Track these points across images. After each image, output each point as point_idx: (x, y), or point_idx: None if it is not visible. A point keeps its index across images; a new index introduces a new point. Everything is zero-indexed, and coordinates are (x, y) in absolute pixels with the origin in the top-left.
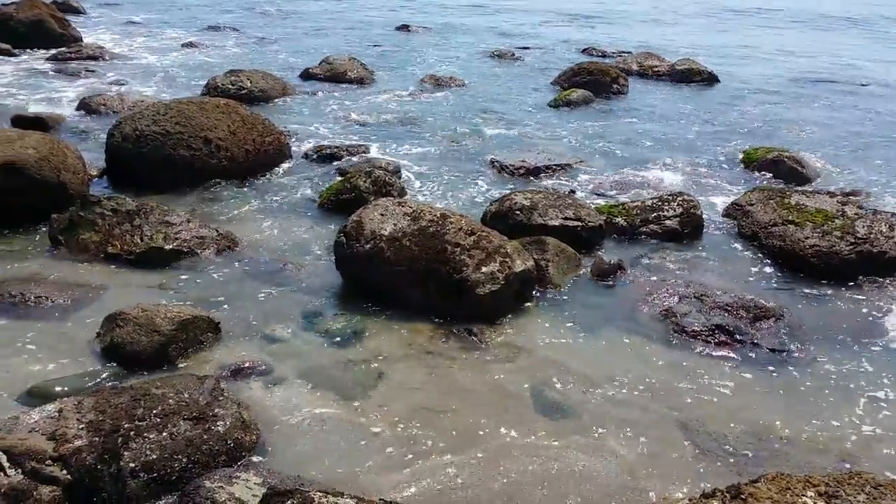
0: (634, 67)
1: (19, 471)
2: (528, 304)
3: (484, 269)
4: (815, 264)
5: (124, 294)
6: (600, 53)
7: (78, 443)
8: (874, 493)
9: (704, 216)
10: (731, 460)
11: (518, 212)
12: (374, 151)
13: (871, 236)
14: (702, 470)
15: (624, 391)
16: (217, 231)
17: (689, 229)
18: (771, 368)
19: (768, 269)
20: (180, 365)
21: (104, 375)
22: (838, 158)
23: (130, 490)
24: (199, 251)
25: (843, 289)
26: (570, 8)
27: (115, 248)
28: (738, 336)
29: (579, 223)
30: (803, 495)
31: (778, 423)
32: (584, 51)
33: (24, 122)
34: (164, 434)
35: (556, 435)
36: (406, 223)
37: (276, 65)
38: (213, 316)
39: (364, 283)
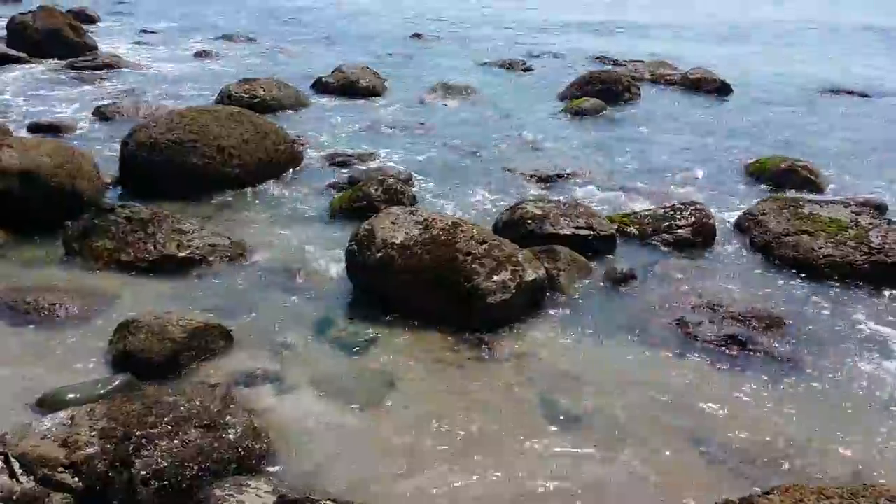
0: (647, 76)
1: (31, 478)
2: (540, 312)
3: (495, 278)
4: (829, 274)
5: (137, 302)
6: (612, 62)
7: (90, 450)
8: None
9: (717, 225)
10: (744, 471)
11: (529, 220)
12: (385, 159)
13: (886, 246)
14: (714, 481)
15: (635, 401)
16: (230, 239)
17: (701, 238)
18: (784, 379)
19: (781, 279)
20: (192, 372)
21: (116, 383)
22: (852, 168)
23: (142, 498)
24: (211, 259)
25: (858, 299)
26: (584, 19)
27: (128, 255)
28: (750, 346)
29: (591, 232)
30: None
31: (791, 433)
32: (596, 59)
33: (40, 129)
34: (176, 442)
35: (567, 444)
36: (417, 231)
37: (289, 73)
38: (225, 324)
39: (375, 291)
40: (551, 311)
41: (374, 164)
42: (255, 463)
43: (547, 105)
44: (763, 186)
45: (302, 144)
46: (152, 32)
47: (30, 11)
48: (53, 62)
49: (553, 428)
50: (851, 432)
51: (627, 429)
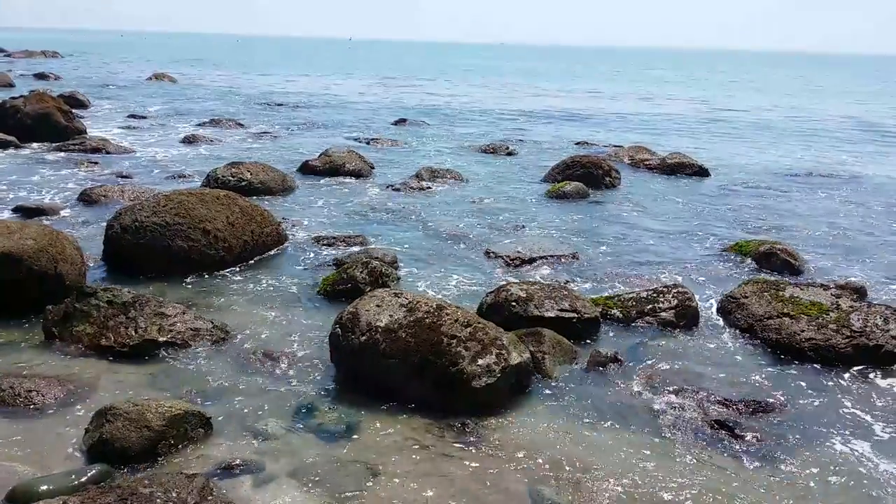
0: (626, 160)
1: None
2: (525, 396)
3: (480, 362)
4: (812, 357)
5: (116, 388)
6: (592, 146)
7: None
8: None
9: (699, 308)
10: None
11: (514, 303)
12: (371, 241)
13: (867, 329)
14: None
15: (619, 489)
16: (212, 322)
17: (684, 321)
18: (770, 462)
19: (764, 362)
20: (170, 461)
21: (91, 473)
22: (829, 251)
23: None
24: (193, 343)
25: (841, 381)
26: (565, 106)
27: (108, 340)
28: (735, 430)
29: (575, 314)
30: None
31: None
32: (577, 143)
33: (25, 211)
34: None
35: None
36: (402, 314)
37: (276, 157)
38: (205, 411)
39: (359, 375)
40: (536, 396)
41: (358, 248)
42: None
43: (530, 188)
44: (743, 269)
45: (288, 226)
46: (142, 117)
47: (21, 95)
48: (43, 146)
49: None
50: None
51: None
